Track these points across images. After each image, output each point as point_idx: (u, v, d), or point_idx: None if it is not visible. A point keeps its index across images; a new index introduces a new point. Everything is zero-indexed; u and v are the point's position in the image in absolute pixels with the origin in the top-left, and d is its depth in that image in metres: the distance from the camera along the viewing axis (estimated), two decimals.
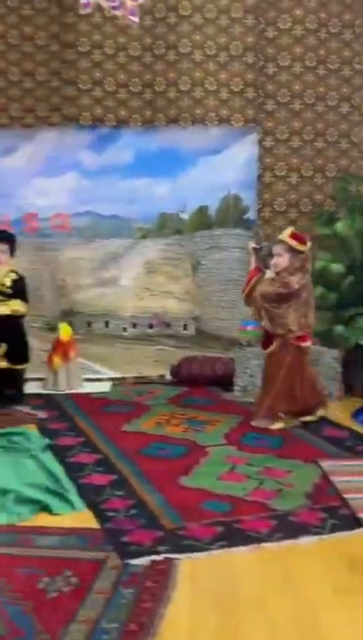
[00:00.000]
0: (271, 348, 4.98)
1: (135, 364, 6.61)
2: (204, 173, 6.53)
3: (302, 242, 4.94)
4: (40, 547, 3.04)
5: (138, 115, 6.38)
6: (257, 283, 4.99)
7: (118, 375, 6.50)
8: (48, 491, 3.63)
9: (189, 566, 2.89)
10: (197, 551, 3.00)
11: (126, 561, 2.88)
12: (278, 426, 4.86)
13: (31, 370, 5.83)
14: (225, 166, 6.50)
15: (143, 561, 2.88)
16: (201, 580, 2.81)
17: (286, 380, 4.93)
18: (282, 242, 4.95)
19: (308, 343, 5.03)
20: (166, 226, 6.69)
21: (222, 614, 2.55)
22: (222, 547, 3.06)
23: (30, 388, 5.85)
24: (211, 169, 6.52)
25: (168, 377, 6.42)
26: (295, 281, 4.86)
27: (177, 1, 6.21)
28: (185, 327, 6.74)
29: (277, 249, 4.96)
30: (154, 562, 2.88)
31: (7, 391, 5.54)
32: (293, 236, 4.96)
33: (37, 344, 6.06)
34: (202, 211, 6.62)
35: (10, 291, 5.41)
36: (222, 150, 6.53)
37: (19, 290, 5.46)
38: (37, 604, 2.53)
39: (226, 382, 6.05)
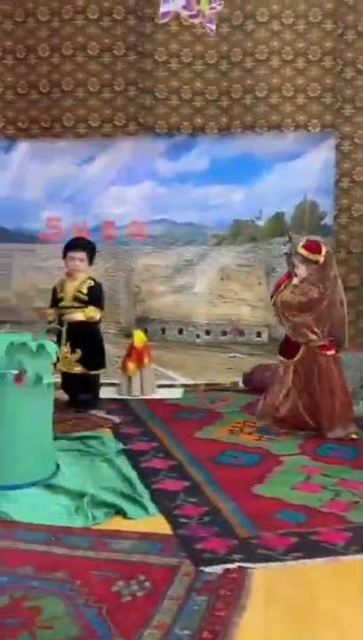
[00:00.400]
0: (298, 356, 4.88)
1: (208, 371, 6.60)
2: (280, 179, 6.48)
3: (316, 251, 4.83)
4: (114, 550, 3.06)
5: (214, 122, 6.40)
6: (284, 289, 4.94)
7: (191, 382, 6.51)
8: (122, 495, 3.67)
9: (262, 576, 2.85)
10: (271, 561, 2.97)
11: (200, 568, 2.87)
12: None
13: (106, 375, 5.90)
14: (302, 172, 6.43)
15: (217, 569, 2.87)
16: (275, 590, 2.77)
17: (308, 388, 4.84)
18: (297, 253, 4.87)
19: (331, 352, 4.88)
20: (241, 233, 6.67)
21: (297, 625, 2.51)
22: (297, 558, 3.01)
23: (105, 392, 5.92)
24: (287, 175, 6.46)
25: (241, 384, 6.37)
26: (316, 291, 4.77)
27: (254, 8, 6.21)
28: (258, 334, 6.69)
29: (296, 260, 4.90)
30: (227, 570, 2.86)
31: (82, 396, 5.63)
32: (306, 246, 4.87)
33: (112, 350, 6.13)
34: (278, 217, 6.56)
35: (86, 297, 5.50)
36: (299, 156, 6.46)
37: (95, 297, 5.55)
38: (112, 608, 2.55)
39: None
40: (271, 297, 5.07)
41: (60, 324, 5.41)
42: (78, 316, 5.45)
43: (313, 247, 4.85)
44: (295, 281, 4.87)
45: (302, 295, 4.81)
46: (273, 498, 3.67)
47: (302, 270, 4.84)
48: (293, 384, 4.89)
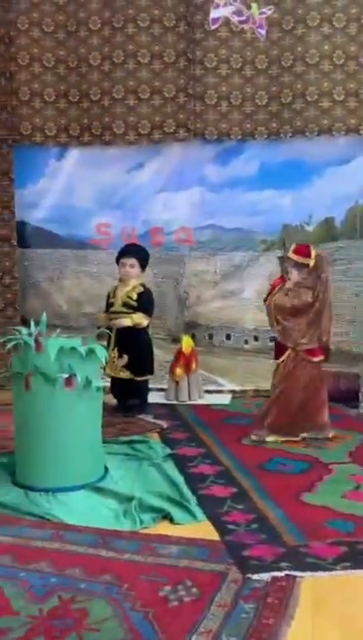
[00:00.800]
0: (282, 358, 4.89)
1: (256, 377, 6.56)
2: (330, 184, 6.41)
3: (306, 255, 4.83)
4: (161, 555, 3.07)
5: (263, 127, 6.38)
6: (278, 292, 4.94)
7: (238, 388, 6.48)
8: (170, 500, 3.67)
9: (310, 585, 2.81)
10: (320, 570, 2.93)
11: (247, 575, 2.85)
12: (271, 438, 4.80)
13: (154, 380, 5.93)
14: (353, 176, 6.34)
15: (264, 576, 2.84)
16: (324, 599, 2.72)
17: (289, 391, 4.83)
18: (288, 258, 4.89)
19: (319, 358, 4.88)
20: (290, 238, 6.61)
21: (345, 636, 2.47)
22: (346, 567, 2.96)
23: (153, 397, 5.95)
24: (338, 179, 6.39)
25: None
26: (310, 295, 4.78)
27: (305, 12, 6.17)
28: None
29: (288, 264, 4.93)
30: (275, 578, 2.84)
31: (131, 401, 5.67)
32: (296, 250, 4.87)
33: (160, 355, 6.15)
34: (328, 222, 6.49)
35: (135, 303, 5.54)
36: (350, 160, 6.38)
37: (143, 303, 5.58)
38: (159, 612, 2.55)
39: (350, 398, 5.88)
40: (264, 300, 5.11)
41: (110, 329, 5.47)
42: (125, 321, 5.49)
43: (303, 251, 4.86)
44: (289, 285, 4.89)
45: (295, 299, 4.82)
46: (322, 506, 3.62)
47: (294, 274, 4.87)
48: (276, 386, 4.92)
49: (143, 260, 5.70)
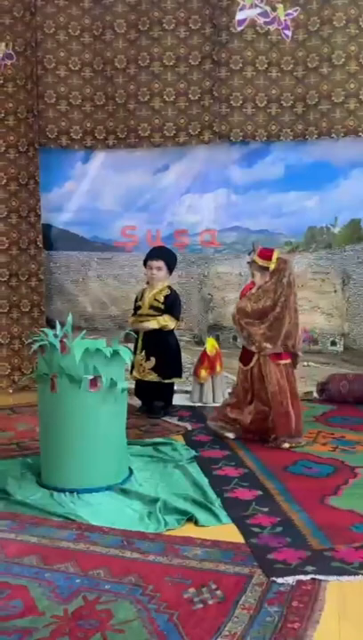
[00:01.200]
0: (251, 364, 4.84)
1: None
2: (357, 185, 6.36)
3: (267, 258, 4.78)
4: (186, 557, 3.06)
5: (289, 129, 6.36)
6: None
7: None
8: (194, 502, 3.67)
9: (337, 589, 2.79)
10: (345, 575, 2.90)
11: (272, 578, 2.83)
12: (229, 435, 4.85)
13: (178, 382, 5.93)
14: None
15: (289, 580, 2.82)
16: (350, 604, 2.70)
17: (260, 395, 4.81)
18: (253, 261, 4.86)
19: (286, 361, 4.81)
20: (315, 240, 6.58)
21: None
22: None
23: (177, 399, 5.95)
24: None
25: (315, 394, 6.28)
26: (270, 299, 4.75)
27: (331, 13, 6.13)
28: (333, 343, 6.58)
29: (252, 268, 4.90)
30: (300, 582, 2.81)
31: (156, 403, 5.67)
32: (259, 253, 4.83)
33: (184, 357, 6.15)
34: (354, 224, 6.45)
35: (162, 306, 5.55)
36: None
37: (170, 305, 5.58)
38: (184, 614, 2.55)
39: None
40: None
41: (136, 332, 5.48)
42: (151, 324, 5.50)
43: (265, 254, 4.82)
44: (254, 289, 4.88)
45: (255, 302, 4.80)
46: (348, 510, 3.58)
47: (257, 278, 4.86)
48: (249, 391, 4.88)
49: (170, 262, 5.70)
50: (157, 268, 5.62)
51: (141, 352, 5.56)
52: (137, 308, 5.67)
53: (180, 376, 5.74)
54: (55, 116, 6.60)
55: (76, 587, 2.77)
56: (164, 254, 5.72)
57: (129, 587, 2.78)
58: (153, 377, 5.57)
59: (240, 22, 4.29)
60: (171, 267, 5.71)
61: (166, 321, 5.53)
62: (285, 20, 4.37)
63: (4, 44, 6.60)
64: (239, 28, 4.58)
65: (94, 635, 2.42)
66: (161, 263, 5.63)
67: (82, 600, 2.67)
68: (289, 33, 4.55)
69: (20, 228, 6.74)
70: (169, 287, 5.68)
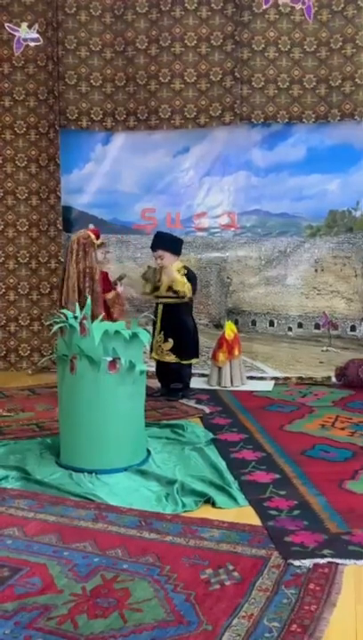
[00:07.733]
0: None
1: (299, 364, 6.51)
2: None
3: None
4: (204, 538, 3.07)
5: (311, 110, 6.28)
6: None
7: (282, 375, 6.45)
8: (212, 484, 3.68)
9: (353, 573, 2.79)
10: (362, 558, 2.90)
11: (289, 561, 2.84)
12: None
13: (196, 365, 5.94)
14: None
15: (306, 563, 2.83)
16: None
17: None
18: None
19: None
20: (337, 223, 6.52)
21: None
22: None
23: (195, 382, 5.96)
24: None
25: (333, 379, 6.25)
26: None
27: None
28: (353, 328, 6.54)
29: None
30: (317, 565, 2.82)
31: (173, 385, 5.68)
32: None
33: (203, 341, 6.15)
34: None
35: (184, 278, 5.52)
36: None
37: (188, 277, 5.57)
38: (201, 595, 2.56)
39: None
40: None
41: (155, 314, 5.48)
42: (177, 275, 5.47)
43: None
44: None
45: None
46: None
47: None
48: None
49: (170, 247, 5.65)
50: (160, 257, 5.62)
51: (159, 333, 5.59)
52: (155, 288, 5.67)
53: (197, 356, 5.75)
54: (76, 98, 6.58)
55: (94, 565, 2.80)
56: (159, 243, 5.67)
57: (146, 566, 2.80)
58: (171, 358, 5.60)
59: (266, 1, 4.22)
60: (173, 250, 5.66)
61: (184, 286, 5.49)
62: (308, 0, 4.29)
63: (26, 24, 6.57)
64: (265, 6, 4.50)
65: (112, 613, 2.45)
66: (160, 252, 5.62)
67: (100, 579, 2.69)
68: (312, 12, 4.47)
69: (40, 209, 6.75)
70: (185, 267, 5.67)
